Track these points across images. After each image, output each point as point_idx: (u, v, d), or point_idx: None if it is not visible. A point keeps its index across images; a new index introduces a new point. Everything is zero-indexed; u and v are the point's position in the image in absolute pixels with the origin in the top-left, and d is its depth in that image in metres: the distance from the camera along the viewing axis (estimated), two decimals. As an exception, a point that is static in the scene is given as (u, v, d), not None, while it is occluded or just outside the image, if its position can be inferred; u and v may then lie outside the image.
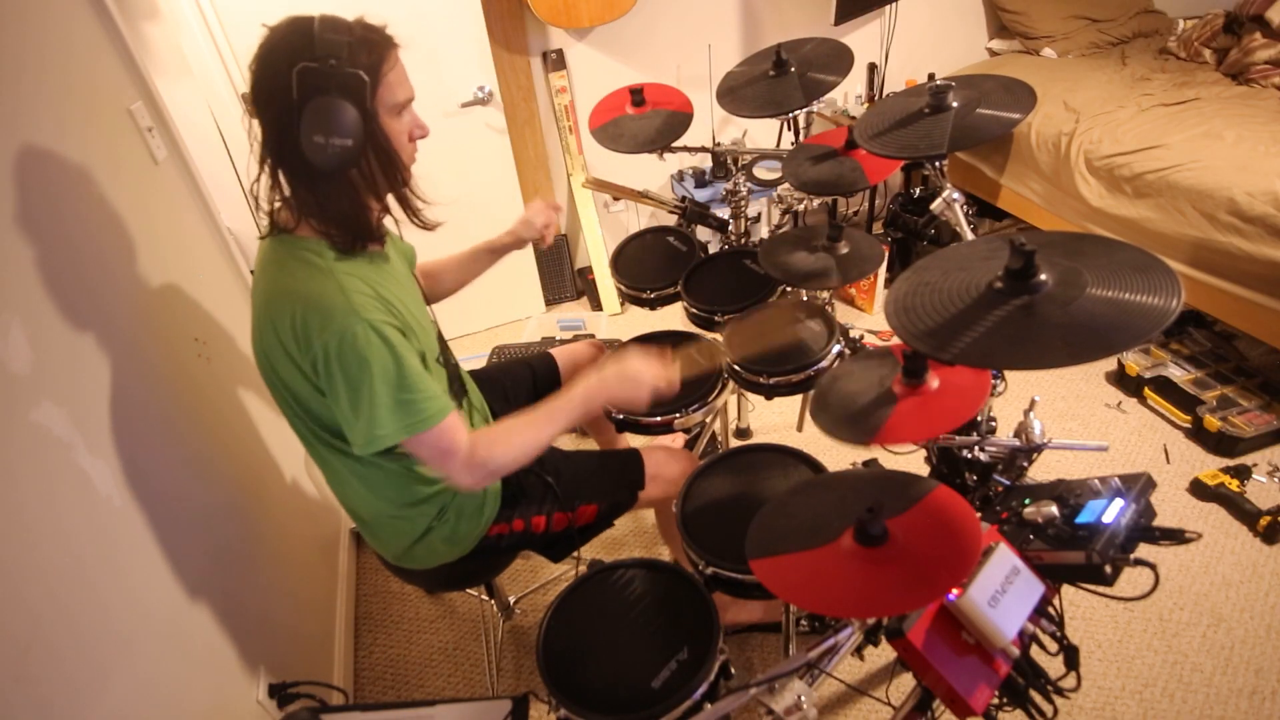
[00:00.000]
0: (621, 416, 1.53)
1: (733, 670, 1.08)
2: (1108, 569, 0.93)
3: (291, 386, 1.11)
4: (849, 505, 0.99)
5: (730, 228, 2.02)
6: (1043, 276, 0.87)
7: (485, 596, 1.98)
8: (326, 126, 0.97)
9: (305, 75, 0.96)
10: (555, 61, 2.81)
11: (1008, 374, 1.38)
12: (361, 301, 1.05)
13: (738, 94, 1.78)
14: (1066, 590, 1.10)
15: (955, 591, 0.90)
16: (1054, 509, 1.01)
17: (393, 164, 1.08)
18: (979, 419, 1.21)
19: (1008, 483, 1.18)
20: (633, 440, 1.99)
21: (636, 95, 1.86)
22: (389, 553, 1.33)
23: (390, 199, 1.14)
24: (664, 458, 1.50)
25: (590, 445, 2.19)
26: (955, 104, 1.31)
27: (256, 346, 1.14)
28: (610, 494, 1.44)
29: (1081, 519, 0.99)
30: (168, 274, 1.43)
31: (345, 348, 1.02)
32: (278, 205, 1.11)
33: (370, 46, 1.02)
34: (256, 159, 1.05)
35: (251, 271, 1.90)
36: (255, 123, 1.03)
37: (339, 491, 1.28)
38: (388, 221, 1.20)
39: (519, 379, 1.64)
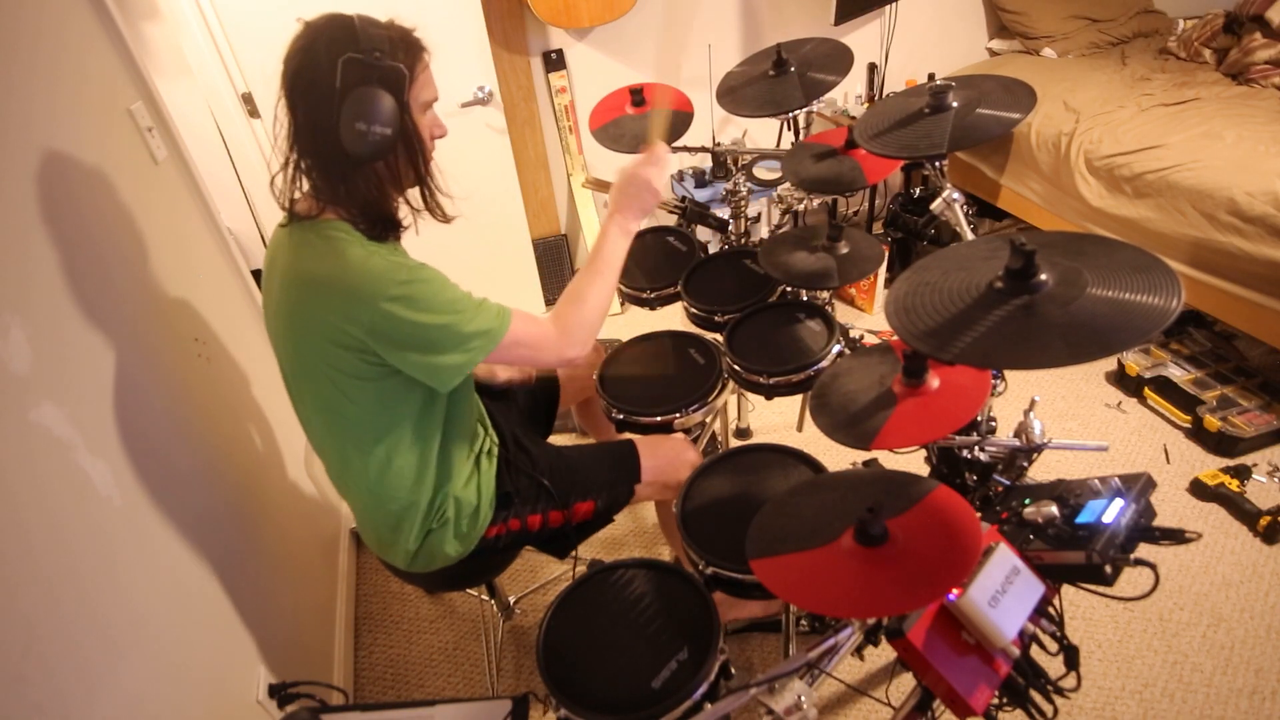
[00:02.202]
0: (622, 417, 1.53)
1: (733, 670, 1.08)
2: (1108, 569, 0.93)
3: (326, 371, 1.12)
4: (849, 505, 0.99)
5: (730, 228, 2.02)
6: (1043, 276, 0.87)
7: (485, 596, 1.98)
8: (368, 115, 1.01)
9: (350, 65, 1.00)
10: (555, 61, 2.81)
11: (1008, 374, 1.38)
12: (397, 258, 1.09)
13: (738, 94, 1.79)
14: (1066, 590, 1.10)
15: (955, 591, 0.90)
16: (1054, 509, 1.01)
17: (419, 157, 1.12)
18: (979, 419, 1.21)
19: (1008, 483, 1.18)
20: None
21: (636, 95, 1.86)
22: (396, 558, 1.33)
23: (414, 191, 1.17)
24: (656, 440, 1.49)
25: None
26: (955, 104, 1.31)
27: (283, 334, 1.15)
28: (606, 488, 1.42)
29: (1081, 519, 0.99)
30: (168, 274, 1.42)
31: (407, 300, 1.04)
32: (297, 197, 1.12)
33: (408, 46, 1.06)
34: (283, 148, 1.08)
35: (254, 272, 1.92)
36: (284, 113, 1.05)
37: (349, 490, 1.29)
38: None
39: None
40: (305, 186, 1.11)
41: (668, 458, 1.46)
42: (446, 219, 1.21)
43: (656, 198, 1.33)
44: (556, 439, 1.59)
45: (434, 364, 1.09)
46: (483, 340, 1.10)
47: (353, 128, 1.01)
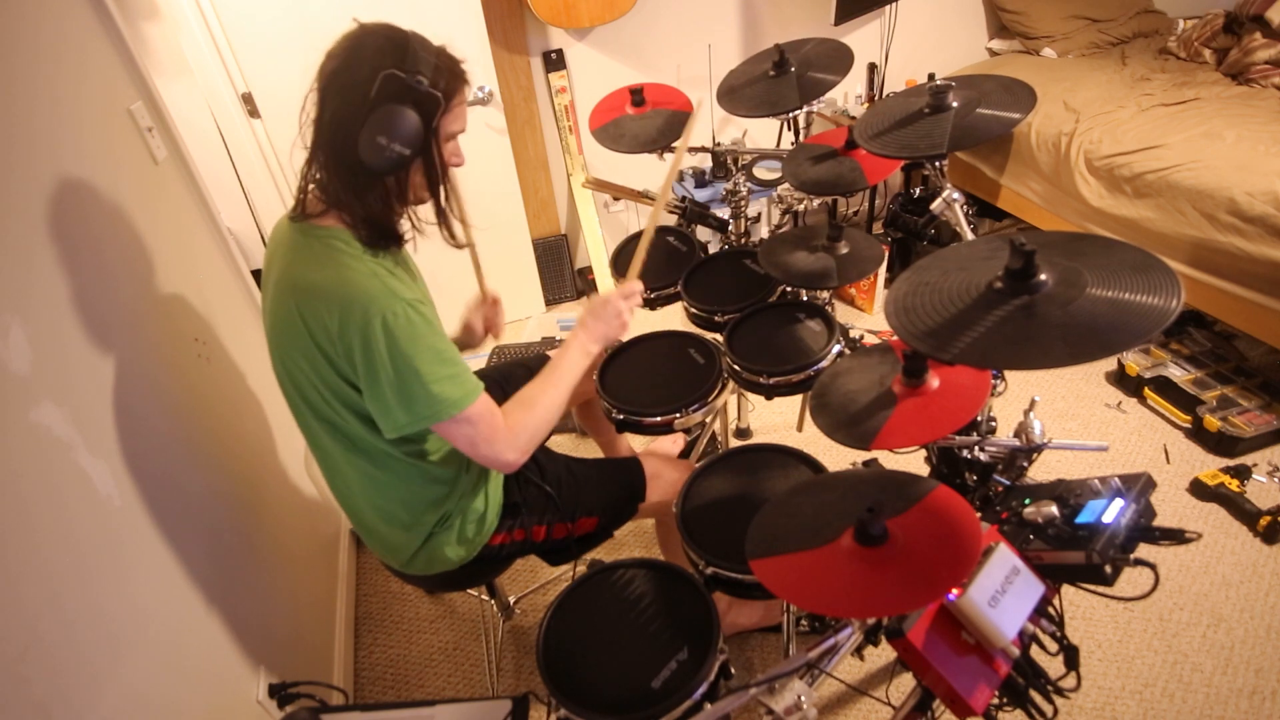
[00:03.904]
0: (622, 417, 1.53)
1: (733, 670, 1.08)
2: (1108, 569, 0.93)
3: (313, 380, 1.12)
4: (849, 505, 0.99)
5: (730, 228, 2.02)
6: (1043, 276, 0.87)
7: (485, 596, 1.98)
8: (391, 131, 1.01)
9: (389, 81, 1.00)
10: (555, 61, 2.81)
11: (1008, 374, 1.38)
12: (395, 284, 1.08)
13: (738, 94, 1.78)
14: (1066, 590, 1.10)
15: (955, 591, 0.90)
16: (1054, 509, 1.01)
17: (435, 182, 1.13)
18: (979, 419, 1.21)
19: (1008, 483, 1.18)
20: (633, 441, 2.00)
21: (636, 95, 1.86)
22: (395, 560, 1.33)
23: (429, 210, 1.17)
24: (661, 464, 1.51)
25: (590, 446, 2.19)
26: (955, 104, 1.31)
27: (274, 337, 1.15)
28: (610, 506, 1.45)
29: (1081, 519, 0.99)
30: (168, 274, 1.42)
31: (390, 329, 1.03)
32: (311, 189, 1.12)
33: (451, 75, 1.07)
34: (308, 141, 1.08)
35: (254, 271, 1.91)
36: (314, 105, 1.05)
37: (345, 496, 1.28)
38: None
39: (518, 382, 1.64)
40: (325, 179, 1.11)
41: (672, 481, 1.48)
42: (458, 245, 1.21)
43: (623, 329, 1.33)
44: (556, 439, 1.59)
45: (385, 406, 1.08)
46: (441, 408, 1.07)
47: (373, 139, 1.01)
